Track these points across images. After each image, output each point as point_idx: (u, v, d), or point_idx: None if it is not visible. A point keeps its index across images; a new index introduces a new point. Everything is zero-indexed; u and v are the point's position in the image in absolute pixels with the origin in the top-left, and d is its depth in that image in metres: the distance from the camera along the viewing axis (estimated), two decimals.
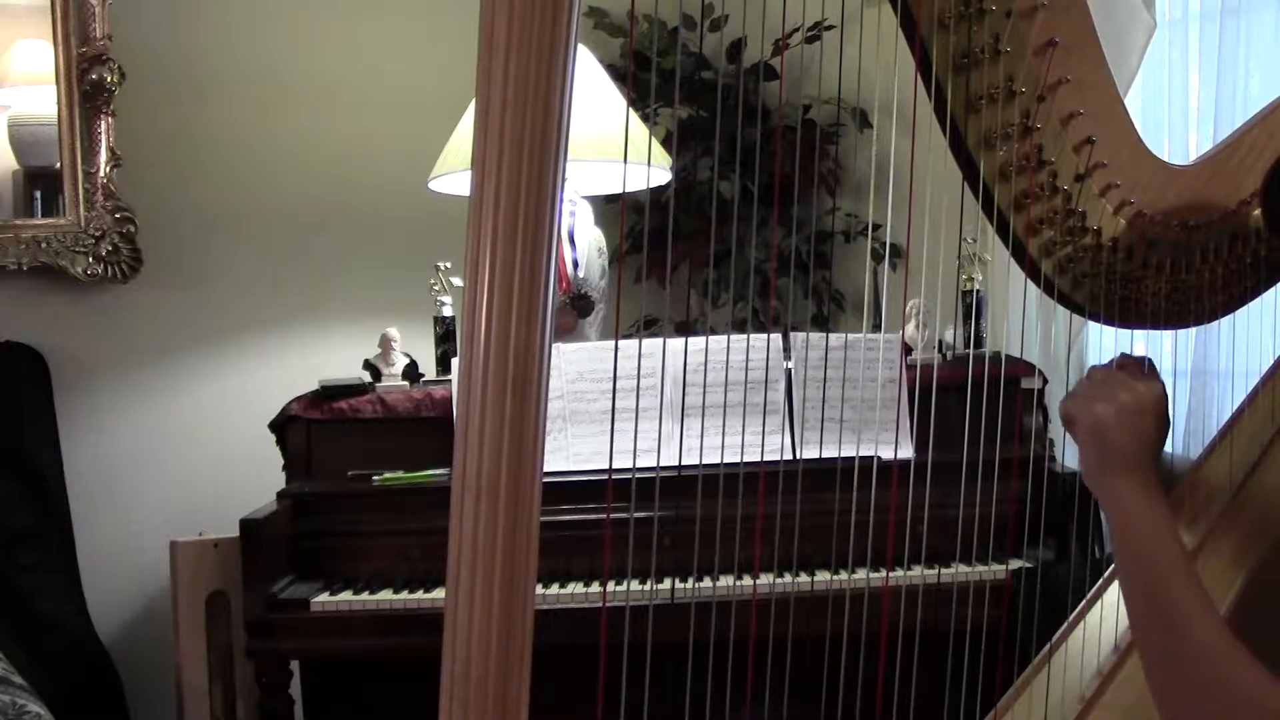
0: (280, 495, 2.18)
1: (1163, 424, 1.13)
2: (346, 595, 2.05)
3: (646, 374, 2.13)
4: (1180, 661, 1.04)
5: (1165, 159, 1.29)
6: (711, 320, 2.84)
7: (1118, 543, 1.12)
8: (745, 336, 2.29)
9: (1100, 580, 1.38)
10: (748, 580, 1.98)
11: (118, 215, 2.73)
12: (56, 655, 2.56)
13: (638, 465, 1.97)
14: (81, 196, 2.71)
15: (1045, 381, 2.23)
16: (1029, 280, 1.31)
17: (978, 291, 2.27)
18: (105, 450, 2.81)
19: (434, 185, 2.47)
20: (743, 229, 2.80)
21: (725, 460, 1.94)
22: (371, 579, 2.12)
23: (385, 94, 2.97)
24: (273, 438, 2.31)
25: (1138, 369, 1.20)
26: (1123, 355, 1.24)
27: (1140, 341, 1.59)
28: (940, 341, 2.29)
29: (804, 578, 1.91)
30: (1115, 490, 1.11)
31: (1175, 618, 1.04)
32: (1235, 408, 1.39)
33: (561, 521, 2.06)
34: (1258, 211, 1.24)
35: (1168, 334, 1.40)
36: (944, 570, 1.97)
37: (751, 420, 2.07)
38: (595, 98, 2.32)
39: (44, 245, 2.69)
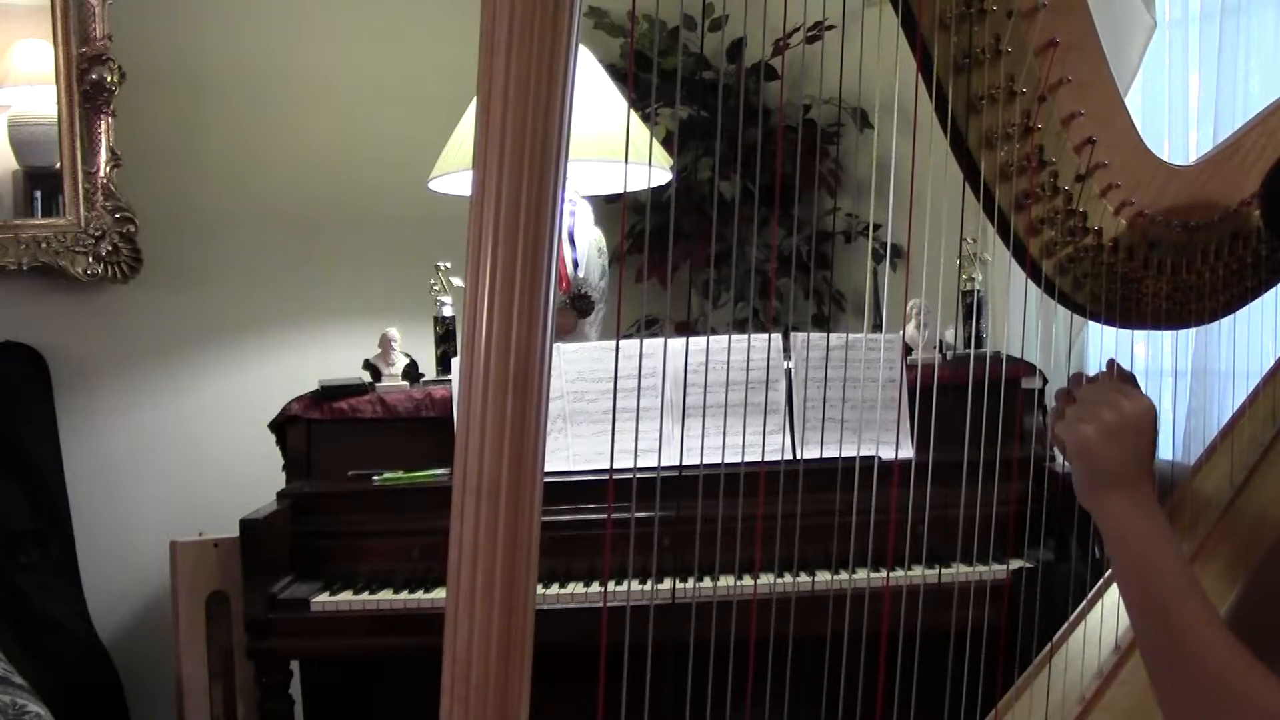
0: (280, 495, 2.18)
1: (1152, 438, 1.11)
2: (346, 595, 2.05)
3: (647, 374, 2.13)
4: (1187, 677, 1.03)
5: (1165, 159, 1.29)
6: (712, 320, 2.84)
7: (1115, 561, 1.10)
8: (745, 336, 2.29)
9: (1100, 580, 1.38)
10: (748, 580, 1.97)
11: (118, 215, 2.72)
12: (56, 655, 2.56)
13: (638, 465, 1.97)
14: (81, 196, 2.71)
15: (1045, 381, 2.23)
16: (1029, 280, 1.31)
17: (978, 291, 2.27)
18: (105, 450, 2.81)
19: (434, 185, 2.47)
20: (743, 229, 2.80)
21: (725, 460, 1.94)
22: (371, 579, 2.12)
23: (385, 94, 2.97)
24: (273, 438, 2.31)
25: (1125, 382, 1.18)
26: (1110, 361, 1.23)
27: (1140, 341, 1.59)
28: (940, 341, 2.28)
29: (804, 578, 1.91)
30: (1108, 508, 1.09)
31: (1181, 635, 1.03)
32: (1235, 408, 1.39)
33: (561, 521, 2.05)
34: (1258, 212, 1.24)
35: (1168, 334, 1.40)
36: (944, 570, 1.97)
37: (752, 420, 2.07)
38: (595, 98, 2.32)
39: (44, 245, 2.69)
